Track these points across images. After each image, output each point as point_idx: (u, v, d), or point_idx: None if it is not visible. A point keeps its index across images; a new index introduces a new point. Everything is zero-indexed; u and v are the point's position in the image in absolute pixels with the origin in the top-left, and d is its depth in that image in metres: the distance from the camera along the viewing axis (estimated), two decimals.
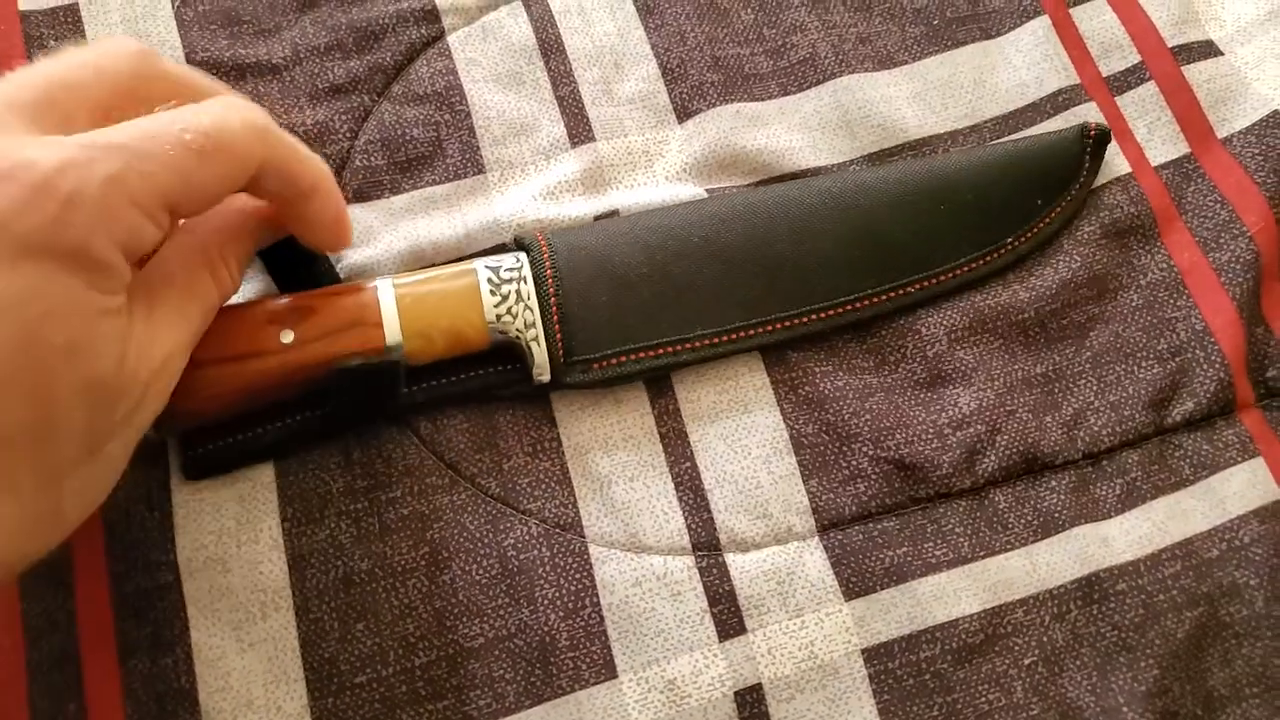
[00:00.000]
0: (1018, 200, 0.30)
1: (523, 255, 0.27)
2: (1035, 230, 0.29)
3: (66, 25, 0.31)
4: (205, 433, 0.26)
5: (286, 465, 0.27)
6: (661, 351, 0.27)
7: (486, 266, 0.27)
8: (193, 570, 0.25)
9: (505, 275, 0.26)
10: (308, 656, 0.25)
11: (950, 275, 0.29)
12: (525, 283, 0.27)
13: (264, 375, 0.25)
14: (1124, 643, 0.26)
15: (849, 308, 0.28)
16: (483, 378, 0.27)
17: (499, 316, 0.26)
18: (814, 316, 0.28)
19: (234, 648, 0.25)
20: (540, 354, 0.26)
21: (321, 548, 0.26)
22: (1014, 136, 0.32)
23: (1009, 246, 0.29)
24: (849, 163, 0.31)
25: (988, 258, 0.29)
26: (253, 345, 0.25)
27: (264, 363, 0.25)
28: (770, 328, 0.28)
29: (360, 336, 0.25)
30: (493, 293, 0.26)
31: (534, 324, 0.26)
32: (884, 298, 0.28)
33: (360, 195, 0.30)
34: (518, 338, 0.26)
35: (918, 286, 0.28)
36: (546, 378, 0.27)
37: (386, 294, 0.25)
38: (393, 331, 0.25)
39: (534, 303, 0.26)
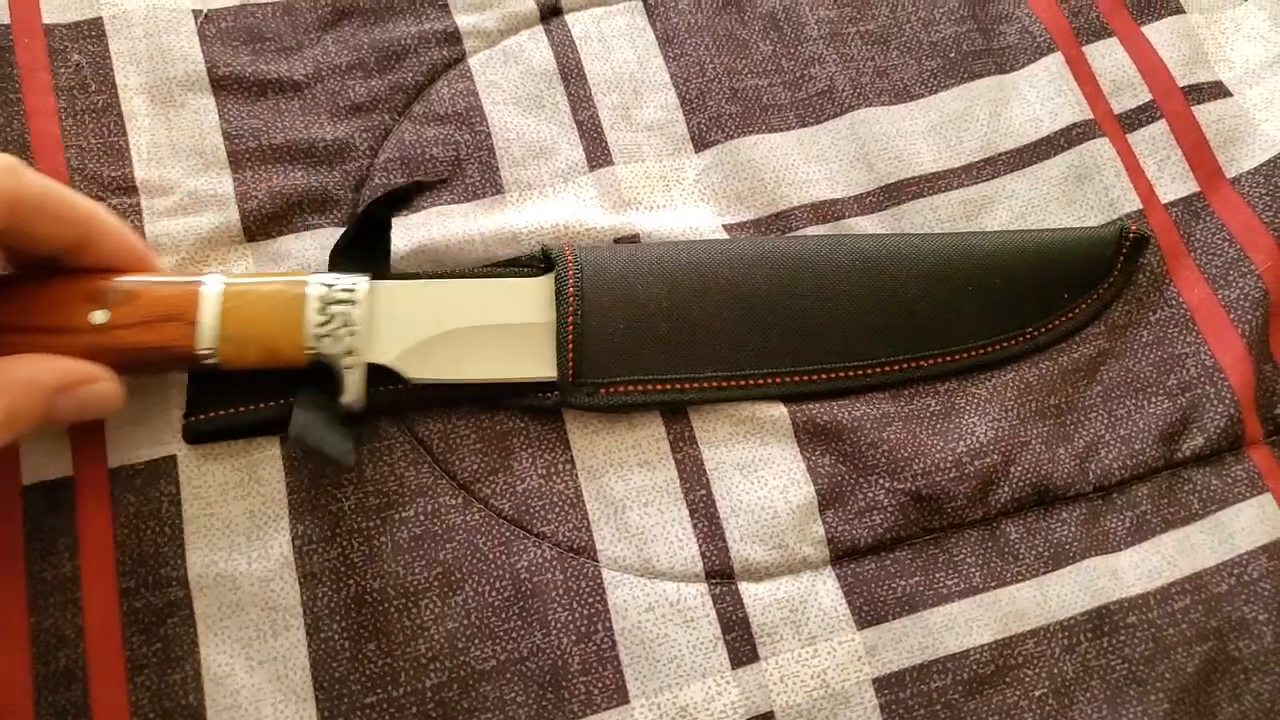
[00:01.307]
0: (1045, 291, 0.30)
1: (362, 279, 0.27)
2: (1057, 323, 0.30)
3: (90, 39, 0.32)
4: (207, 402, 0.27)
5: (298, 481, 0.27)
6: (670, 386, 0.28)
7: (322, 283, 0.27)
8: (203, 586, 0.26)
9: (339, 295, 0.26)
10: (318, 676, 0.25)
11: (965, 355, 0.29)
12: (356, 306, 0.26)
13: (69, 353, 0.24)
14: (1134, 676, 0.26)
15: (860, 372, 0.29)
16: (489, 387, 0.28)
17: (319, 337, 0.26)
18: (824, 375, 0.29)
19: (243, 665, 0.25)
20: (355, 385, 0.26)
21: (333, 566, 0.26)
22: (1046, 228, 0.32)
23: (1028, 335, 0.30)
24: (866, 195, 0.32)
25: (1005, 343, 0.30)
26: (59, 320, 0.24)
27: (69, 341, 0.24)
28: (780, 379, 0.28)
29: (174, 333, 0.25)
30: (319, 311, 0.26)
31: (357, 352, 0.26)
32: (896, 367, 0.29)
33: None
34: (335, 362, 0.26)
35: (931, 361, 0.29)
36: (357, 407, 0.26)
37: (212, 293, 0.25)
38: (207, 335, 0.25)
39: (362, 329, 0.26)
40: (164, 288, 0.25)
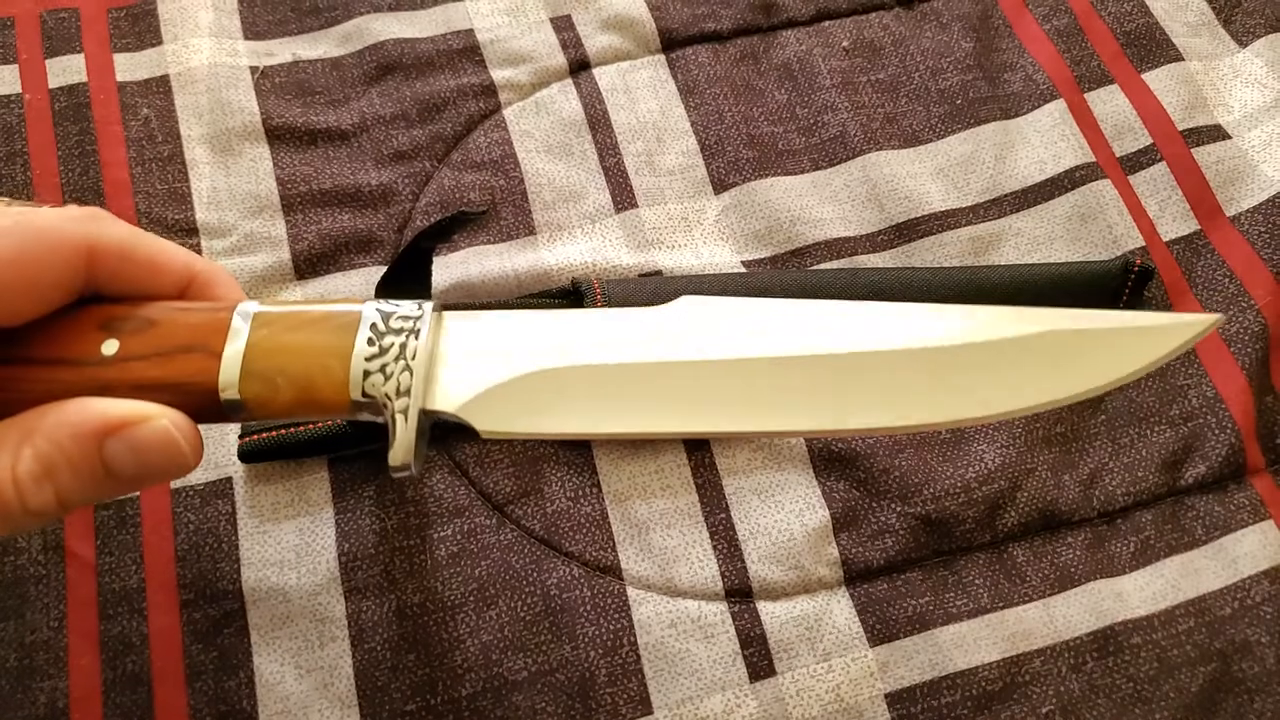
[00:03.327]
0: None
1: (427, 305, 0.23)
2: None
3: (158, 94, 0.36)
4: (261, 423, 0.30)
5: (345, 502, 0.30)
6: None
7: (378, 309, 0.23)
8: (256, 599, 0.29)
9: (395, 324, 0.22)
10: (361, 684, 0.28)
11: None
12: (415, 337, 0.22)
13: (74, 388, 0.21)
14: (1139, 695, 0.28)
15: None
16: None
17: (368, 374, 0.22)
18: None
19: (293, 674, 0.28)
20: (405, 434, 0.22)
21: (376, 581, 0.29)
22: (1056, 260, 0.34)
23: None
24: (877, 233, 0.35)
25: None
26: (67, 350, 0.22)
27: (76, 374, 0.22)
28: None
29: (193, 365, 0.22)
30: (370, 342, 0.22)
31: (409, 392, 0.22)
32: None
33: None
34: (385, 406, 0.22)
35: None
36: (406, 469, 0.22)
37: (242, 321, 0.22)
38: (230, 370, 0.22)
39: (420, 366, 0.22)
40: (190, 314, 0.23)
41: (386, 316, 0.23)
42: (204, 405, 0.22)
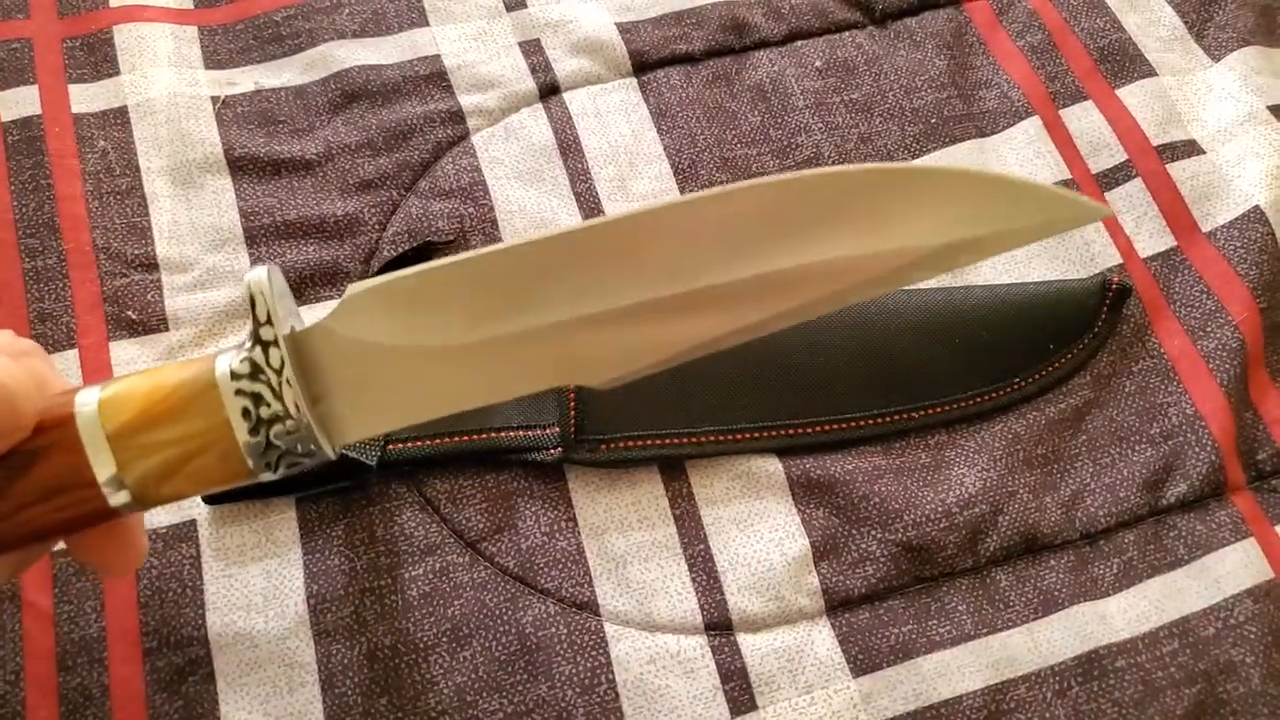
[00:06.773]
0: (1031, 342, 0.34)
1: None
2: (1044, 373, 0.34)
3: (116, 126, 0.37)
4: None
5: (313, 542, 0.31)
6: (669, 441, 0.32)
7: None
8: (222, 645, 0.30)
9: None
10: None
11: (955, 406, 0.33)
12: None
13: None
14: (1124, 719, 0.29)
15: (853, 424, 0.33)
16: (490, 441, 0.32)
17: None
18: (818, 428, 0.33)
19: None
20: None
21: (346, 623, 0.30)
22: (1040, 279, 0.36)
23: (1016, 386, 0.34)
24: None
25: (994, 394, 0.33)
26: None
27: None
28: (775, 433, 0.32)
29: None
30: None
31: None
32: (886, 419, 0.33)
33: None
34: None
35: (921, 413, 0.33)
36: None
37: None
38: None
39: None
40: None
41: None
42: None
